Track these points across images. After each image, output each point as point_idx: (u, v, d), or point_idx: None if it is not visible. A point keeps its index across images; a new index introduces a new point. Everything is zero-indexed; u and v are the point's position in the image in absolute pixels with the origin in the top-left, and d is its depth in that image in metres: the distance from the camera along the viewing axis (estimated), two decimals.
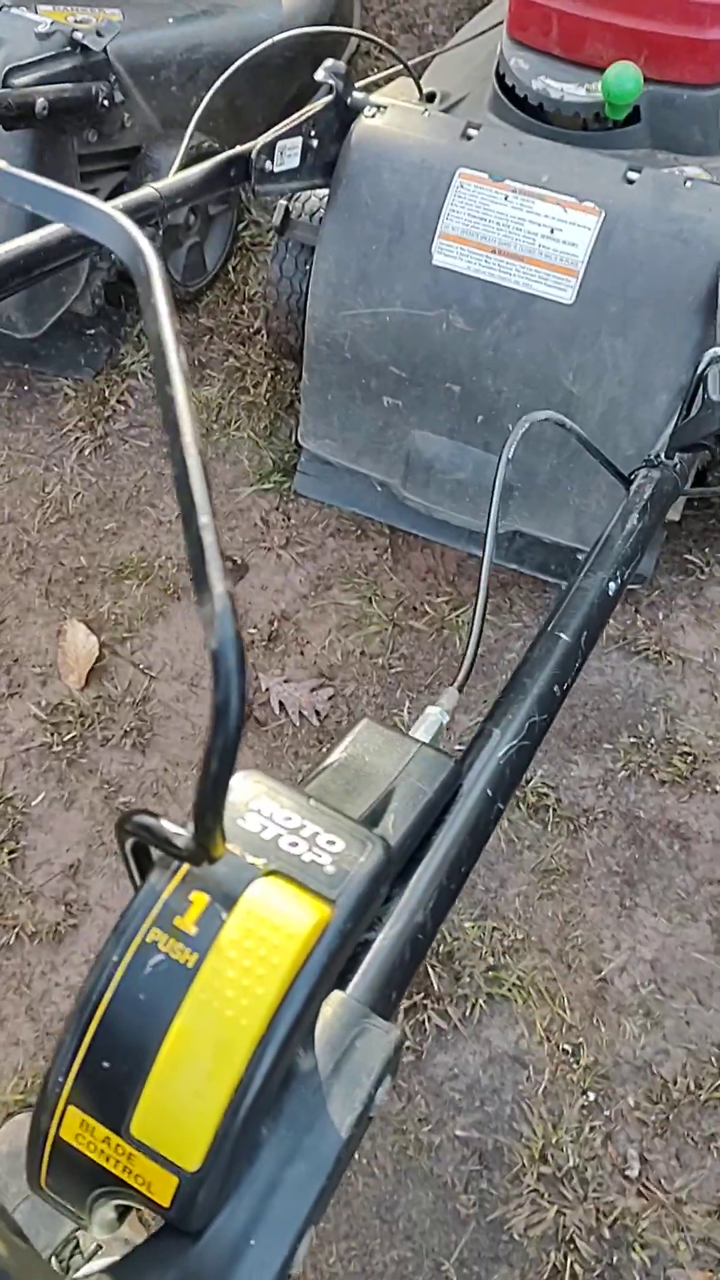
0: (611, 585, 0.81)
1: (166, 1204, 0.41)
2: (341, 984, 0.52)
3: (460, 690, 0.73)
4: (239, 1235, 0.43)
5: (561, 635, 0.76)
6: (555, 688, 0.73)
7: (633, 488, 0.92)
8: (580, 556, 1.79)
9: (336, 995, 0.49)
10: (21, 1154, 1.25)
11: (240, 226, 2.21)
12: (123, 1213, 0.43)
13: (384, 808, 0.58)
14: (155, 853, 0.44)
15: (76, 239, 1.06)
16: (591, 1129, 1.49)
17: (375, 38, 1.76)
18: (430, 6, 2.47)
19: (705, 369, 0.95)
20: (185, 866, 0.43)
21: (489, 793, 0.64)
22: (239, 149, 1.47)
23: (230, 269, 2.20)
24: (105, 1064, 0.40)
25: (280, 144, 1.54)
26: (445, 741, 0.79)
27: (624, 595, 1.81)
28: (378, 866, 0.47)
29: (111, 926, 0.42)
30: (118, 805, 1.74)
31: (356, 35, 2.02)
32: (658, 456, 0.96)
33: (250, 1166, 0.43)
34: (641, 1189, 1.46)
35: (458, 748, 0.84)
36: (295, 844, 0.46)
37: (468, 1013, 1.56)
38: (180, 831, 0.42)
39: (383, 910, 0.55)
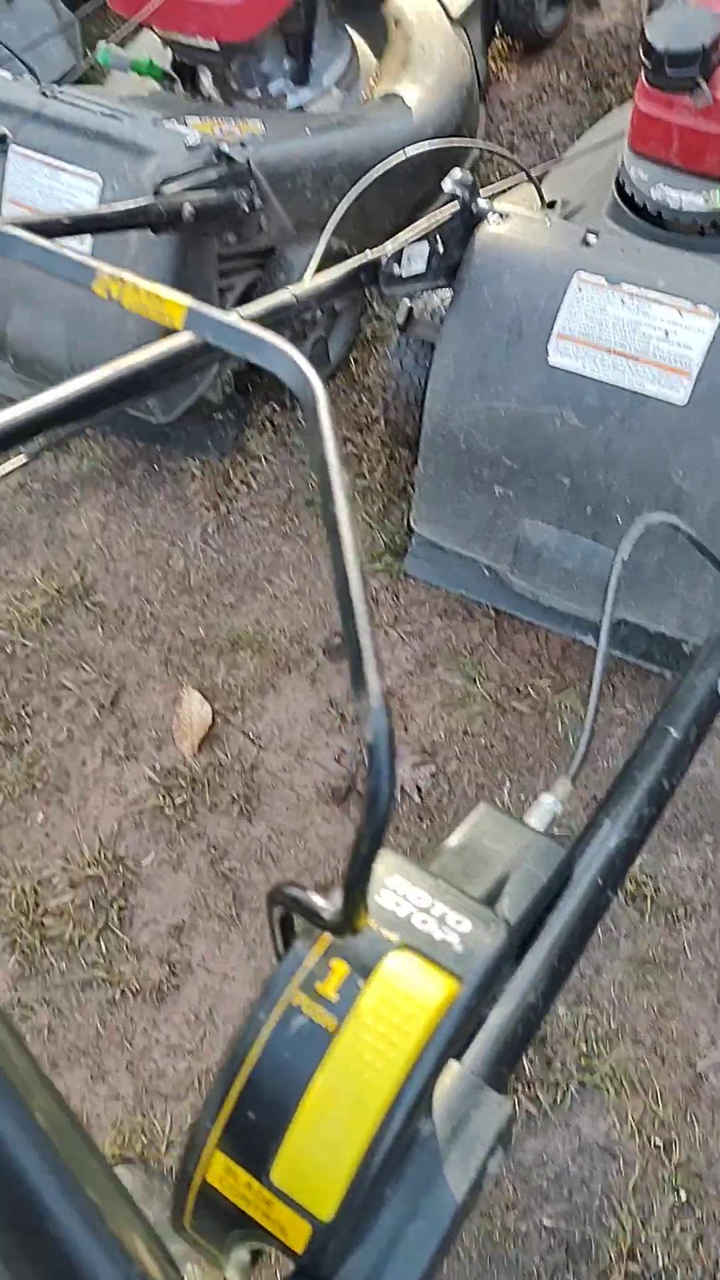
0: None
1: (300, 1250, 0.45)
2: (458, 1056, 0.55)
3: (574, 781, 0.77)
4: None
5: (671, 730, 0.79)
6: (664, 782, 0.76)
7: None
8: (685, 648, 1.81)
9: (454, 1066, 0.52)
10: None
11: (363, 321, 2.32)
12: (256, 1255, 0.46)
13: (499, 891, 0.62)
14: (299, 923, 0.48)
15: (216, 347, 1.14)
16: (682, 1229, 1.46)
17: (499, 149, 1.86)
18: (552, 115, 2.58)
19: None
20: (327, 936, 0.47)
21: (599, 881, 0.67)
22: (369, 255, 1.56)
23: (352, 360, 2.30)
24: (251, 1114, 0.44)
25: (408, 249, 1.63)
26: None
27: None
28: (501, 947, 0.51)
29: (261, 987, 0.47)
30: (223, 869, 1.80)
31: (482, 146, 2.13)
32: None
33: (374, 1222, 0.46)
34: None
35: (556, 831, 0.87)
36: (426, 921, 0.50)
37: (558, 1099, 1.56)
38: (326, 905, 0.46)
39: (497, 989, 0.59)
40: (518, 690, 1.92)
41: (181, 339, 1.13)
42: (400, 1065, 0.45)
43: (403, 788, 1.82)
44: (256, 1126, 0.44)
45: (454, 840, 0.64)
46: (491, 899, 0.61)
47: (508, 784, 1.81)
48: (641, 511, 1.62)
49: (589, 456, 1.64)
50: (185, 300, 0.66)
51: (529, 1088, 1.56)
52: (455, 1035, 0.47)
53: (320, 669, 1.99)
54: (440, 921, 0.50)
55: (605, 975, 1.63)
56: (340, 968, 0.47)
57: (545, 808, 0.72)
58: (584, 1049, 1.58)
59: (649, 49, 1.59)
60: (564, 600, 1.80)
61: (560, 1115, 1.55)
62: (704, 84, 1.60)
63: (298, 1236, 0.45)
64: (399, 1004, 0.46)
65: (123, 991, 1.70)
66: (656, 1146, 1.52)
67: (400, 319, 1.82)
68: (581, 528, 1.72)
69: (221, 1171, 0.43)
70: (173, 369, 1.15)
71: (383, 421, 2.10)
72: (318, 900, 0.46)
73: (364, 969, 0.46)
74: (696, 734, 0.81)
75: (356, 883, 0.44)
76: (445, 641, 2.00)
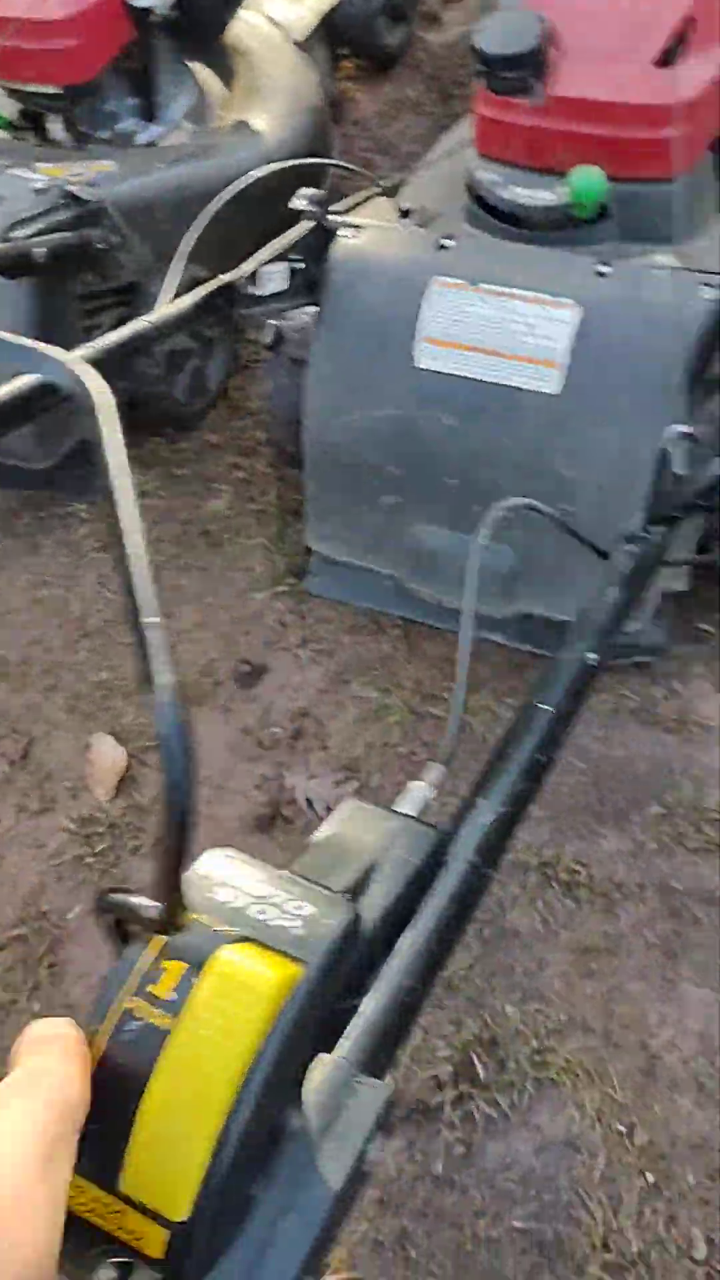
0: (590, 656, 0.85)
1: (160, 1255, 0.43)
2: (328, 1049, 0.54)
3: (448, 764, 0.76)
4: None
5: (542, 705, 0.79)
6: (538, 755, 0.76)
7: (611, 562, 0.97)
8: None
9: (327, 1059, 0.51)
10: None
11: (239, 346, 2.32)
12: (124, 1272, 0.44)
13: (367, 880, 0.61)
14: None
15: (38, 390, 1.11)
16: (654, 1212, 1.45)
17: (347, 164, 1.87)
18: (405, 129, 2.62)
19: (666, 445, 1.00)
20: (160, 939, 0.46)
21: (474, 860, 0.66)
22: (225, 277, 1.57)
23: (232, 387, 2.30)
24: (94, 1125, 0.43)
25: (264, 270, 1.64)
26: (438, 819, 0.82)
27: (641, 667, 1.84)
28: (344, 925, 0.49)
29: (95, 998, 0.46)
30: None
31: (330, 164, 2.15)
32: (635, 531, 1.01)
33: (244, 1224, 0.44)
34: (711, 1272, 1.42)
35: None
36: (264, 911, 0.49)
37: (516, 1099, 1.54)
38: (149, 904, 0.45)
39: (371, 977, 0.57)
40: (433, 696, 1.92)
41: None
42: (241, 1055, 0.44)
43: (328, 806, 1.80)
44: (101, 1138, 0.43)
45: (318, 835, 0.62)
46: (360, 889, 0.60)
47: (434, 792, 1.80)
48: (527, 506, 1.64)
49: (471, 455, 1.65)
50: None
51: (486, 1091, 1.55)
52: (302, 1018, 0.46)
53: (232, 699, 1.97)
54: (280, 909, 0.49)
55: (549, 969, 1.62)
56: (175, 967, 0.45)
57: (416, 794, 0.71)
58: (536, 1045, 1.57)
59: (480, 55, 1.61)
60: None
61: (519, 1115, 1.54)
62: (537, 83, 1.63)
63: (155, 1242, 0.43)
64: (235, 993, 0.45)
65: None
66: (619, 1133, 1.51)
67: (268, 340, 1.82)
68: (473, 527, 1.72)
69: (71, 1190, 0.41)
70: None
71: (268, 444, 2.09)
72: (140, 901, 0.45)
73: (198, 964, 0.45)
74: (569, 708, 0.81)
75: (167, 879, 0.43)
76: (356, 656, 1.99)
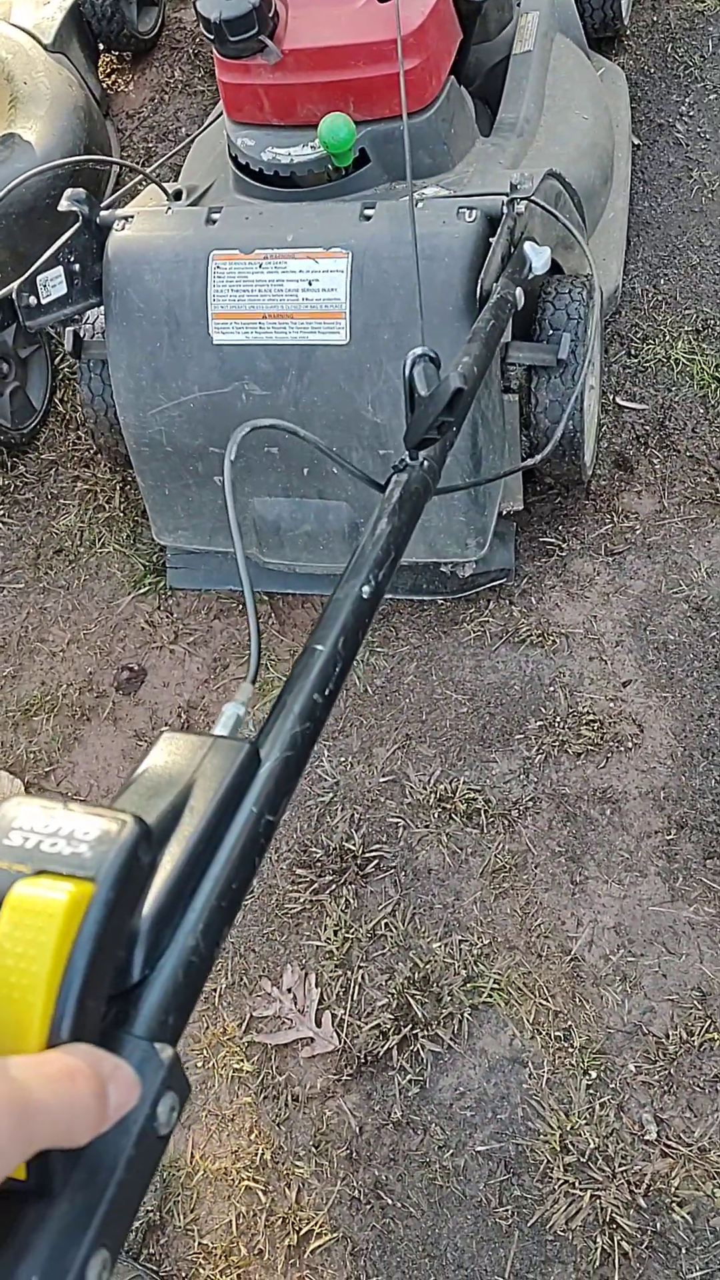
0: (365, 589, 0.86)
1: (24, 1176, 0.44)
2: (121, 1025, 0.55)
3: (253, 683, 0.77)
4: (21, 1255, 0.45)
5: (318, 646, 0.80)
6: (316, 696, 0.76)
7: (385, 493, 0.98)
8: (444, 569, 1.85)
9: (110, 1035, 0.52)
10: None
11: (56, 360, 2.29)
12: None
13: (184, 801, 0.61)
14: None
15: None
16: (602, 1106, 1.50)
17: (104, 157, 1.86)
18: (179, 111, 2.60)
19: (411, 369, 1.01)
20: None
21: (254, 809, 0.67)
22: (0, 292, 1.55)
23: (58, 401, 2.28)
24: None
25: (42, 277, 1.62)
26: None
27: (497, 590, 1.87)
28: (133, 837, 0.51)
29: None
30: None
31: (83, 160, 2.13)
32: (404, 460, 1.02)
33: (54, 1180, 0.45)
34: (665, 1149, 1.47)
35: None
36: (55, 844, 0.51)
37: (458, 1029, 1.58)
38: None
39: (160, 943, 0.58)
40: None
41: None
42: (45, 976, 0.45)
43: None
44: None
45: (137, 770, 0.63)
46: (177, 811, 0.61)
47: (325, 752, 1.82)
48: (348, 455, 1.65)
49: (284, 419, 1.65)
50: None
51: (427, 1028, 1.58)
52: (103, 934, 0.48)
53: (117, 707, 1.97)
54: (69, 839, 0.51)
55: (465, 897, 1.66)
56: None
57: (228, 715, 0.72)
58: (465, 974, 1.60)
59: (206, 23, 1.61)
60: (317, 562, 1.82)
61: (463, 1044, 1.57)
62: (269, 41, 1.63)
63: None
64: (29, 920, 0.47)
65: None
66: (558, 1038, 1.55)
67: (68, 346, 1.81)
68: (306, 490, 1.74)
69: None
70: None
71: (99, 450, 2.08)
72: None
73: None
74: (346, 644, 0.82)
75: None
76: (230, 640, 2.00)
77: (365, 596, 0.86)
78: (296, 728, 0.75)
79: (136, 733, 1.94)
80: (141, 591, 2.06)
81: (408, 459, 1.01)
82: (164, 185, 1.80)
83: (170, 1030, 0.56)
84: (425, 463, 1.02)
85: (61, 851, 0.50)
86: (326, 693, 0.79)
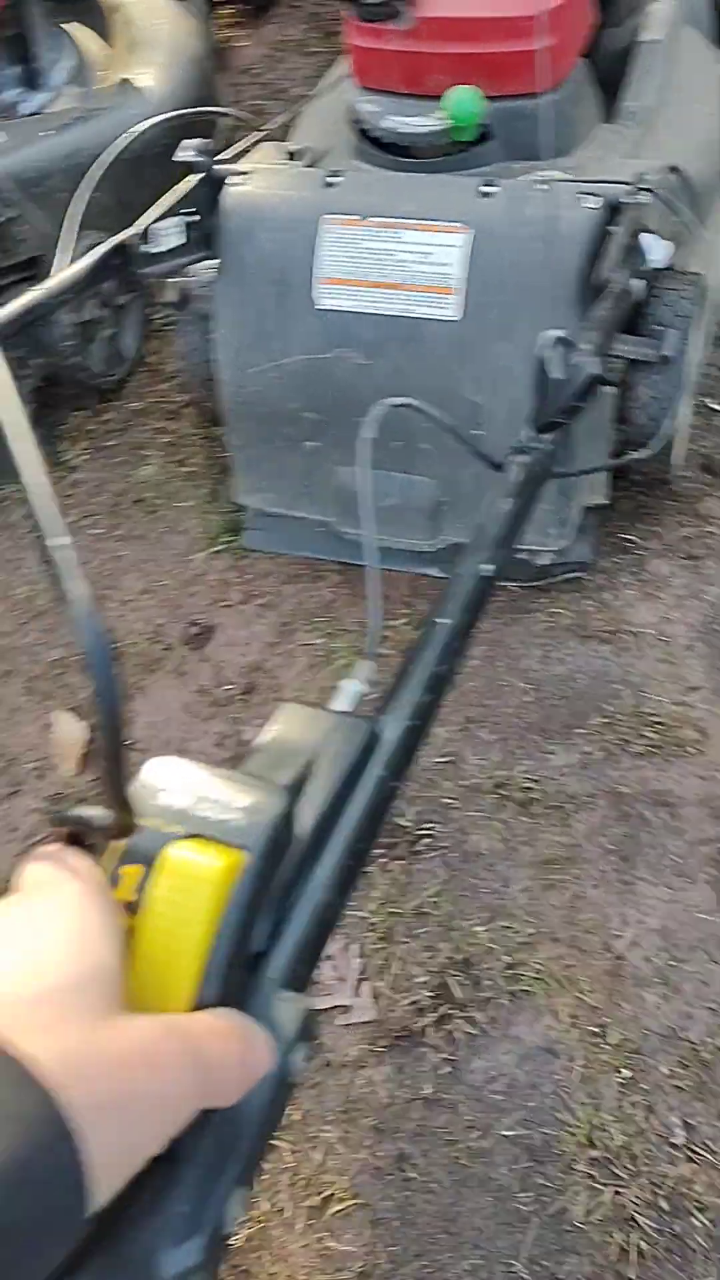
0: (485, 568, 0.86)
1: None
2: (252, 969, 0.56)
3: (372, 658, 0.78)
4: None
5: (440, 620, 0.81)
6: (440, 668, 0.78)
7: (504, 473, 0.98)
8: (521, 555, 1.84)
9: (247, 984, 0.53)
10: None
11: (150, 311, 2.30)
12: None
13: (308, 775, 0.63)
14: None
15: None
16: (632, 1105, 1.50)
17: (231, 110, 1.85)
18: (292, 70, 2.58)
19: (542, 351, 1.01)
20: (117, 846, 0.49)
21: (382, 773, 0.68)
22: (117, 238, 1.56)
23: (149, 352, 2.29)
24: None
25: (156, 226, 1.63)
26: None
27: (572, 583, 1.86)
28: (281, 810, 0.53)
29: None
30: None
31: (208, 112, 2.12)
32: (525, 441, 1.02)
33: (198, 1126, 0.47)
34: (690, 1154, 1.47)
35: None
36: (207, 808, 0.52)
37: (494, 1014, 1.58)
38: (97, 813, 0.48)
39: (291, 896, 0.59)
40: (378, 636, 1.94)
41: None
42: (198, 939, 0.47)
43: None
44: None
45: (260, 739, 0.65)
46: (300, 786, 0.62)
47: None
48: (443, 434, 1.65)
49: (380, 391, 1.63)
50: None
51: (464, 1010, 1.59)
52: (250, 902, 0.49)
53: (184, 661, 1.98)
54: (220, 804, 0.52)
55: (513, 885, 1.66)
56: (132, 871, 0.49)
57: (348, 691, 0.73)
58: (508, 960, 1.61)
59: None
60: (396, 538, 1.82)
61: (499, 1029, 1.58)
62: (404, 6, 1.61)
63: None
64: (185, 884, 0.48)
65: None
66: (593, 1034, 1.55)
67: (173, 298, 1.81)
68: (393, 464, 1.74)
69: None
70: None
71: (189, 405, 2.09)
72: (92, 812, 0.48)
73: (151, 865, 0.48)
74: (468, 619, 0.83)
75: (112, 783, 0.45)
76: (299, 605, 2.00)
77: (486, 575, 0.87)
78: (421, 698, 0.76)
79: (200, 688, 1.95)
80: (216, 549, 2.07)
81: (532, 441, 1.01)
82: (282, 144, 1.79)
83: (300, 980, 0.57)
84: (548, 446, 1.02)
85: (213, 817, 0.52)
86: (449, 667, 0.80)
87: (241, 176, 1.69)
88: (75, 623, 0.44)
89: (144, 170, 2.22)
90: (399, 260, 1.57)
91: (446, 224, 1.56)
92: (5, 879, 1.56)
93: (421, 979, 1.62)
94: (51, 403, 2.23)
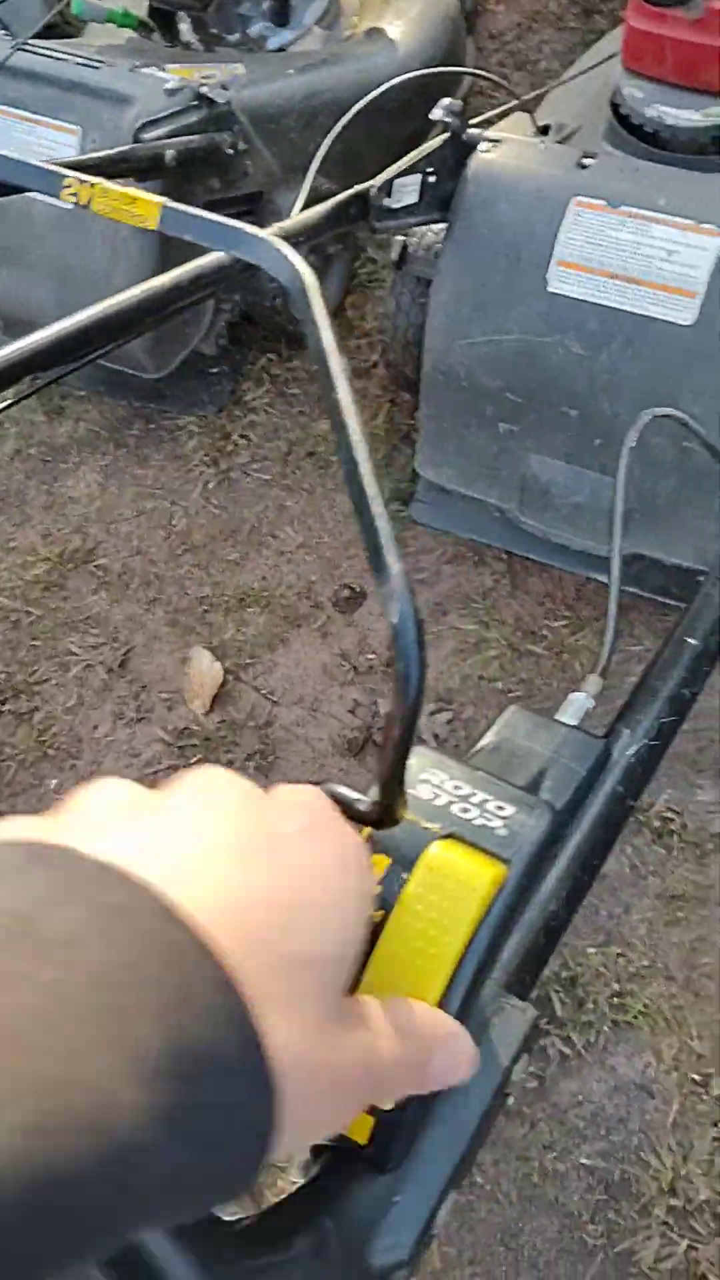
0: None
1: (365, 1142, 0.44)
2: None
3: (603, 675, 0.74)
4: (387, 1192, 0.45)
5: (689, 639, 0.76)
6: (685, 690, 0.73)
7: None
8: (701, 579, 1.77)
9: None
10: None
11: (357, 265, 2.27)
12: (316, 1153, 0.46)
13: (538, 786, 0.61)
14: None
15: (206, 277, 1.12)
16: None
17: (486, 74, 1.80)
18: (544, 43, 2.51)
19: None
20: (364, 832, 0.46)
21: (620, 789, 0.65)
22: (358, 188, 1.52)
23: (348, 306, 2.26)
24: None
25: (398, 181, 1.59)
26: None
27: None
28: (547, 828, 0.50)
29: None
30: None
31: (469, 73, 2.07)
32: None
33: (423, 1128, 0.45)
34: None
35: None
36: (467, 810, 0.50)
37: (593, 1039, 1.54)
38: (363, 798, 0.45)
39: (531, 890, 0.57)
40: (532, 633, 1.89)
41: (164, 280, 1.10)
42: (454, 948, 0.44)
43: (419, 735, 1.80)
44: None
45: (488, 739, 0.62)
46: (532, 792, 0.60)
47: None
48: (648, 440, 1.58)
49: (594, 385, 1.60)
50: (159, 199, 0.63)
51: (562, 1028, 1.55)
52: (508, 918, 0.46)
53: (330, 622, 1.96)
54: (481, 809, 0.49)
55: (634, 913, 1.61)
56: (381, 861, 0.46)
57: (577, 704, 0.69)
58: (616, 988, 1.56)
59: None
60: (575, 537, 1.76)
61: (594, 1055, 1.54)
62: None
63: (362, 1129, 0.44)
64: (448, 888, 0.45)
65: None
66: (694, 1081, 1.50)
67: (395, 256, 1.78)
68: (589, 461, 1.68)
69: None
70: (159, 309, 1.12)
71: (381, 365, 2.06)
72: (354, 794, 0.45)
73: (406, 860, 0.45)
74: (718, 643, 0.78)
75: (393, 771, 0.42)
76: (456, 588, 1.97)
77: None
78: (664, 718, 0.72)
79: (342, 652, 1.93)
80: None
81: None
82: (536, 118, 1.73)
83: (525, 989, 0.55)
84: None
85: (475, 821, 0.49)
86: (694, 689, 0.75)
87: (491, 144, 1.64)
88: (387, 599, 0.41)
89: (380, 123, 2.18)
90: (644, 255, 1.51)
91: (701, 225, 1.49)
92: None
93: None
94: (243, 340, 2.22)
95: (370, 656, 1.92)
